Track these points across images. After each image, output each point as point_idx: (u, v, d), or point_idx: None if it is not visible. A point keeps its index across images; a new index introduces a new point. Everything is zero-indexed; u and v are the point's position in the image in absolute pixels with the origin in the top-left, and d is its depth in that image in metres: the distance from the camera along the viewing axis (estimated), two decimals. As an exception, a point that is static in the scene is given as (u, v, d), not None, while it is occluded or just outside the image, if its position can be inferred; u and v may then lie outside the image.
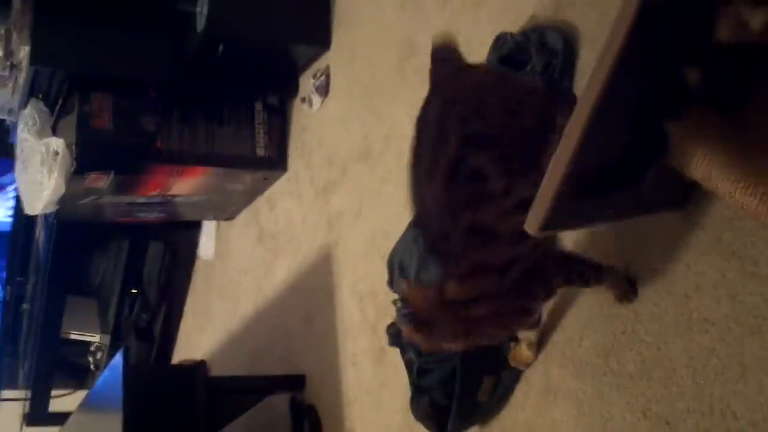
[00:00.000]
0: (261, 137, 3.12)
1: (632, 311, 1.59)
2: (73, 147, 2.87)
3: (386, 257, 2.22)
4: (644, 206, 1.52)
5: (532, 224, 1.35)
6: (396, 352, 2.19)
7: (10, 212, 4.62)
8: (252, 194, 3.34)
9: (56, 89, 3.03)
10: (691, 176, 1.29)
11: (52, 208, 3.06)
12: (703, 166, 1.26)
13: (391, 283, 2.12)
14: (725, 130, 1.28)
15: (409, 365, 2.08)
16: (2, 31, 3.13)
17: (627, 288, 1.59)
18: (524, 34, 1.92)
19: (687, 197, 1.50)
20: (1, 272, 4.44)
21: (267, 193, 3.28)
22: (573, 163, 1.27)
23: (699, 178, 1.28)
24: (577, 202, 1.37)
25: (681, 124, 1.28)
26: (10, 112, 3.40)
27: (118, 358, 2.60)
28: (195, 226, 3.81)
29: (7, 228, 4.33)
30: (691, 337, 1.47)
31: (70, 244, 3.61)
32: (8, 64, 3.14)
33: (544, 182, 1.32)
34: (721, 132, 1.28)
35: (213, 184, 3.22)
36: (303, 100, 3.01)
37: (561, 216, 1.36)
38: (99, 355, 4.05)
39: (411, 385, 2.07)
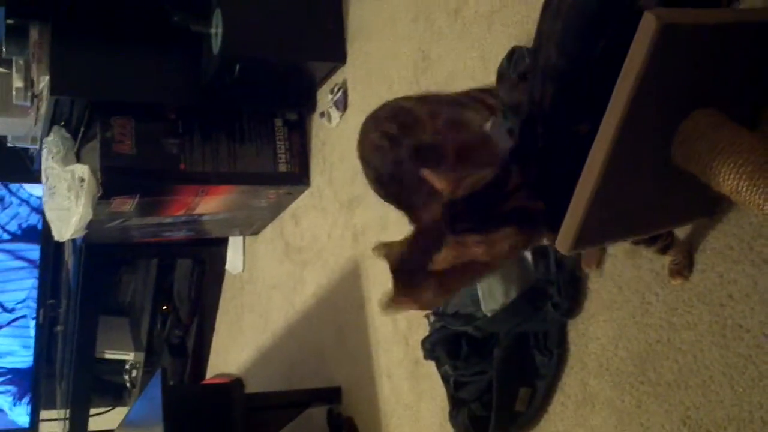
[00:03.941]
0: (282, 153, 3.15)
1: (666, 320, 1.60)
2: (98, 173, 2.91)
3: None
4: (674, 216, 1.54)
5: (563, 244, 1.37)
6: (431, 363, 2.21)
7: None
8: (276, 209, 3.37)
9: (78, 116, 3.07)
10: (719, 190, 1.30)
11: (80, 234, 3.10)
12: (731, 181, 1.27)
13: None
14: (750, 142, 1.29)
15: (445, 378, 2.10)
16: (21, 62, 3.16)
17: (687, 263, 1.57)
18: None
19: (715, 204, 1.51)
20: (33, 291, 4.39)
21: (291, 208, 3.30)
22: (601, 179, 1.28)
23: (727, 192, 1.29)
24: (609, 216, 1.38)
25: (707, 140, 1.29)
26: (34, 140, 3.44)
27: (156, 380, 2.64)
28: (221, 242, 3.84)
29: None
30: (726, 345, 1.49)
31: (99, 265, 3.65)
32: (29, 94, 3.18)
33: (574, 200, 1.33)
34: (746, 145, 1.28)
35: (237, 202, 3.26)
36: (322, 114, 3.03)
37: (592, 232, 1.37)
38: (134, 372, 4.11)
39: (449, 397, 2.09)
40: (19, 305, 4.53)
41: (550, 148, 1.32)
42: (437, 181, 1.39)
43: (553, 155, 1.31)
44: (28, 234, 4.48)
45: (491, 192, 1.32)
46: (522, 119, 1.34)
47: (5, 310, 4.67)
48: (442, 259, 1.37)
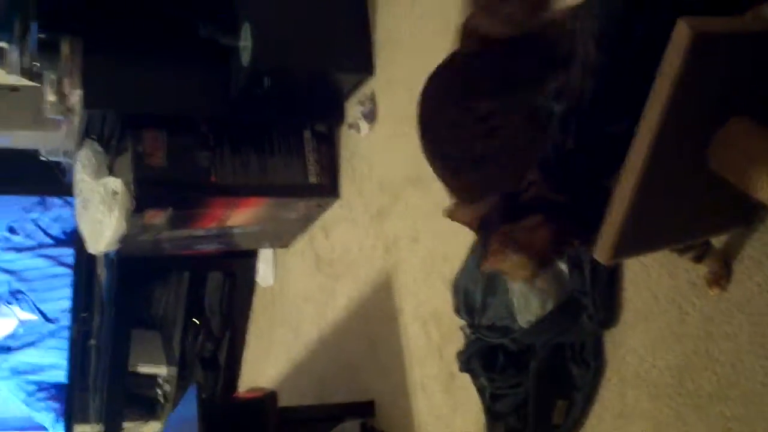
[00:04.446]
0: (312, 165, 3.15)
1: (703, 330, 1.58)
2: (131, 185, 2.92)
3: (447, 280, 2.23)
4: (711, 225, 1.51)
5: (602, 254, 1.35)
6: (466, 376, 2.19)
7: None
8: (306, 221, 3.37)
9: (110, 129, 3.09)
10: (757, 198, 1.28)
11: (114, 247, 3.12)
12: (769, 189, 1.25)
13: (457, 310, 2.13)
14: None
15: (481, 391, 2.09)
16: (53, 77, 3.19)
17: (724, 273, 1.55)
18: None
19: (753, 213, 1.49)
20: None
21: (321, 220, 3.30)
22: (639, 189, 1.27)
23: (764, 200, 1.27)
24: (646, 226, 1.36)
25: (743, 148, 1.27)
26: (66, 153, 3.47)
27: (191, 395, 2.65)
28: (252, 254, 3.85)
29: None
30: (766, 355, 1.46)
31: (131, 279, 3.67)
32: (61, 108, 3.20)
33: (611, 210, 1.31)
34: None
35: (268, 214, 3.26)
36: (350, 126, 3.03)
37: (630, 242, 1.35)
38: (167, 387, 4.10)
39: (485, 410, 2.07)
40: (62, 314, 4.43)
41: (579, 148, 1.29)
42: (463, 216, 1.39)
43: (581, 155, 1.29)
44: (70, 238, 4.28)
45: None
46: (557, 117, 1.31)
47: (48, 320, 4.56)
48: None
